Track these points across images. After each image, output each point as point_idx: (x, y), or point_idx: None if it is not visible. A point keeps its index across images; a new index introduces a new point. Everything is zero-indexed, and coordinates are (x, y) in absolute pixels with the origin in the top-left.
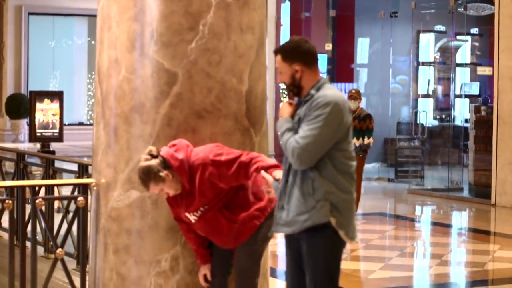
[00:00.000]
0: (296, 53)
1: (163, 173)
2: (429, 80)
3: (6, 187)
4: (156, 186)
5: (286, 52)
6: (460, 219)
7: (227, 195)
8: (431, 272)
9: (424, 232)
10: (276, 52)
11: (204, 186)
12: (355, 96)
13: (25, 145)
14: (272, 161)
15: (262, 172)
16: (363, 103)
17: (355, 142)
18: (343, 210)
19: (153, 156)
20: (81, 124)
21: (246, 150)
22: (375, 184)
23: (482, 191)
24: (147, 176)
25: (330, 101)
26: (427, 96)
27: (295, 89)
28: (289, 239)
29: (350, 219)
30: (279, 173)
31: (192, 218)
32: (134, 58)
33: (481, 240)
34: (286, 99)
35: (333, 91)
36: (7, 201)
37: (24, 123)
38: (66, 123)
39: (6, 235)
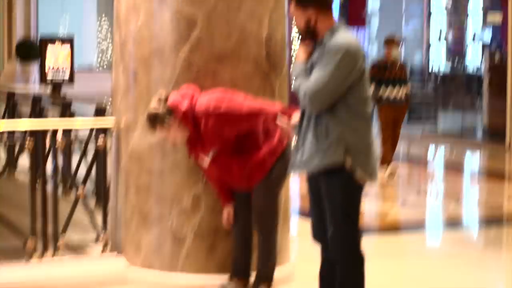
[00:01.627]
0: None
1: (168, 121)
2: (441, 28)
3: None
4: (162, 132)
5: None
6: (475, 161)
7: (237, 138)
8: (446, 212)
9: (438, 174)
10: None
11: (210, 135)
12: (398, 42)
13: (36, 89)
14: (279, 105)
15: (279, 117)
16: (375, 49)
17: (401, 92)
18: (357, 152)
19: (162, 102)
20: (91, 68)
21: (266, 94)
22: None
23: (496, 134)
24: (153, 122)
25: (342, 46)
26: (439, 42)
27: (310, 34)
28: (309, 179)
29: (365, 161)
30: (297, 116)
31: (204, 161)
32: (153, 3)
33: (495, 181)
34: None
35: (347, 36)
36: (27, 142)
37: (34, 67)
38: (76, 67)
39: (22, 176)
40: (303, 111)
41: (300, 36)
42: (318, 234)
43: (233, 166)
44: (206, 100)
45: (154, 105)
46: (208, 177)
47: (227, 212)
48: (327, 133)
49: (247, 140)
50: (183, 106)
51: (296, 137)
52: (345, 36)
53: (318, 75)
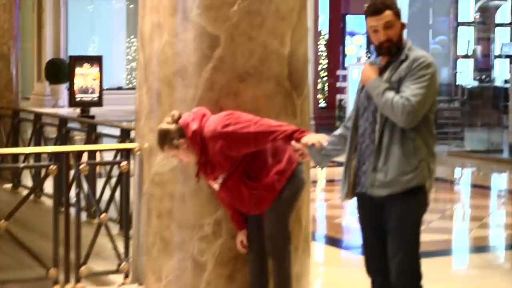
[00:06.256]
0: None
1: (177, 141)
2: (468, 41)
3: (50, 153)
4: (170, 151)
5: (396, 8)
6: (500, 181)
7: (245, 161)
8: (472, 235)
9: (464, 195)
10: (384, 8)
11: (218, 158)
12: None
13: (65, 110)
14: (288, 126)
15: (293, 143)
16: None
17: None
18: (432, 172)
19: (174, 121)
20: (120, 88)
21: (288, 114)
22: None
23: None
24: (163, 139)
25: (431, 62)
26: (466, 56)
27: (395, 48)
28: (364, 203)
29: (433, 178)
30: (310, 137)
31: (215, 186)
32: (176, 22)
33: None
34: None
35: (424, 52)
36: (51, 167)
37: (63, 88)
38: (105, 88)
39: (48, 201)
40: (382, 126)
41: (383, 50)
42: (376, 265)
43: (243, 191)
44: (214, 121)
45: (167, 121)
46: (222, 202)
47: (241, 237)
48: (415, 150)
49: (255, 163)
50: (193, 126)
51: (364, 156)
52: (423, 52)
53: (415, 89)
